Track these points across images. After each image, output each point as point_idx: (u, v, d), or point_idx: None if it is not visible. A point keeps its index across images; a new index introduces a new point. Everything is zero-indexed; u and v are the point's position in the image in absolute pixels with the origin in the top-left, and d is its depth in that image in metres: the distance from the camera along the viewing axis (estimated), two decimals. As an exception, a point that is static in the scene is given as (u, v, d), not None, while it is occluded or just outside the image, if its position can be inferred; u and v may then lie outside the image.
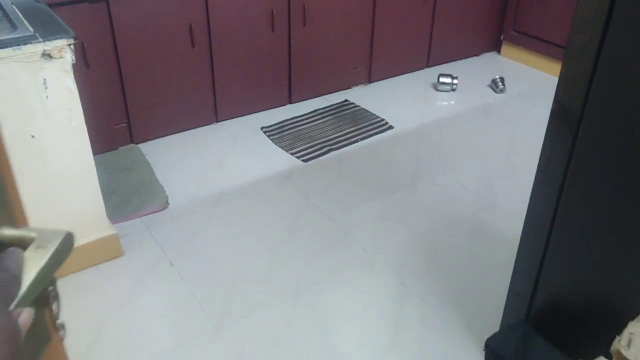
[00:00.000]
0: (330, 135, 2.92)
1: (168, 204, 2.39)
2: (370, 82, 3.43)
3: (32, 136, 1.78)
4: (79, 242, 1.88)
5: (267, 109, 3.12)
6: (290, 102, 3.19)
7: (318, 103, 3.22)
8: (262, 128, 2.97)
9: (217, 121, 2.99)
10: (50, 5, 2.18)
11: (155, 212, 2.35)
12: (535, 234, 1.46)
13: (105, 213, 2.05)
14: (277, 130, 2.96)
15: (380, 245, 2.17)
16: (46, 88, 1.74)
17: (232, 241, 2.20)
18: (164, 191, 2.47)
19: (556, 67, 3.55)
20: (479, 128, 3.03)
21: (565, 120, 1.29)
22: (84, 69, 2.40)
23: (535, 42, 3.54)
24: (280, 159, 2.72)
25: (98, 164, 2.02)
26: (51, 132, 1.81)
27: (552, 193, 1.37)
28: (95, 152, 2.64)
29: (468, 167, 2.69)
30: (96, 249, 2.05)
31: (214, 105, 2.94)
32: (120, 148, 2.74)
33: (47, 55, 1.70)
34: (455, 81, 3.32)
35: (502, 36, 3.75)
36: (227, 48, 2.82)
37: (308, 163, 2.70)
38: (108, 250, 2.09)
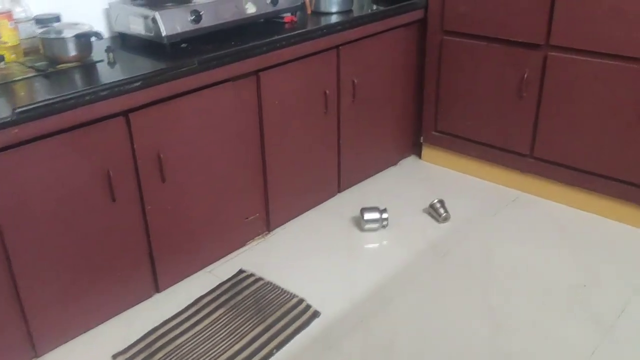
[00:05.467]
0: (228, 349, 1.87)
1: None
2: (270, 230, 2.46)
3: None
4: None
5: (123, 311, 2.02)
6: (158, 291, 2.11)
7: (201, 284, 2.17)
8: (114, 356, 1.84)
9: (37, 356, 1.83)
10: None
11: None
12: None
13: None
14: (141, 354, 1.85)
15: None
16: None
17: None
18: None
19: (486, 170, 2.93)
20: (438, 289, 2.13)
21: None
22: None
23: (461, 142, 2.83)
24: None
25: None
26: None
27: None
28: None
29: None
30: None
31: (27, 333, 1.78)
32: None
33: None
34: (385, 215, 2.45)
35: (421, 138, 3.00)
36: (44, 238, 1.71)
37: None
38: None
